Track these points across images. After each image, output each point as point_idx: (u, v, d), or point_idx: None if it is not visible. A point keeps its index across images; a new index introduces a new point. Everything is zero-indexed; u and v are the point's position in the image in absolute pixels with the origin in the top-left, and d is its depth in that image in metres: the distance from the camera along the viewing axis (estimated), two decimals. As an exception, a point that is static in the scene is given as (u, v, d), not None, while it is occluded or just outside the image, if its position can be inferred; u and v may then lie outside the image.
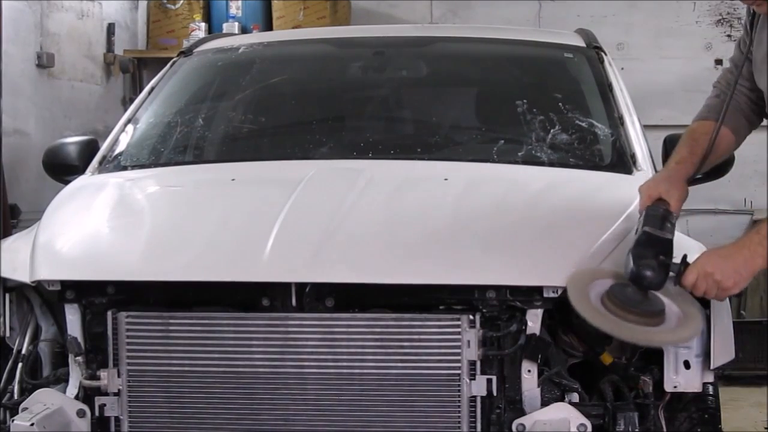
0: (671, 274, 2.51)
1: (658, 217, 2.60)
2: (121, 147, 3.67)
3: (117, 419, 2.67)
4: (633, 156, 3.39)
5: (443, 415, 2.60)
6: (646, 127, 3.66)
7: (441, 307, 2.64)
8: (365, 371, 2.60)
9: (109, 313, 2.68)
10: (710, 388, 2.76)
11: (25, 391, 2.79)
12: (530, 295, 2.61)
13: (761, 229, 2.48)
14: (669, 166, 2.82)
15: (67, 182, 3.50)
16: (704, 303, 2.68)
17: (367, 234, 2.73)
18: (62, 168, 3.70)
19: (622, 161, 3.39)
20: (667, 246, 2.52)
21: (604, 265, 2.66)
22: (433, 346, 2.59)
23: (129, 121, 3.81)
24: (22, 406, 2.65)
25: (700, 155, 2.73)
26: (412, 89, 4.12)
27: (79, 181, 3.46)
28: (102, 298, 2.70)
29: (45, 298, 2.86)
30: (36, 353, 2.89)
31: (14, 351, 2.89)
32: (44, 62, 5.93)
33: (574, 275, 2.54)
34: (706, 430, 2.79)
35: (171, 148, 3.66)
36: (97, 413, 2.67)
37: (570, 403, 2.62)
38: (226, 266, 2.66)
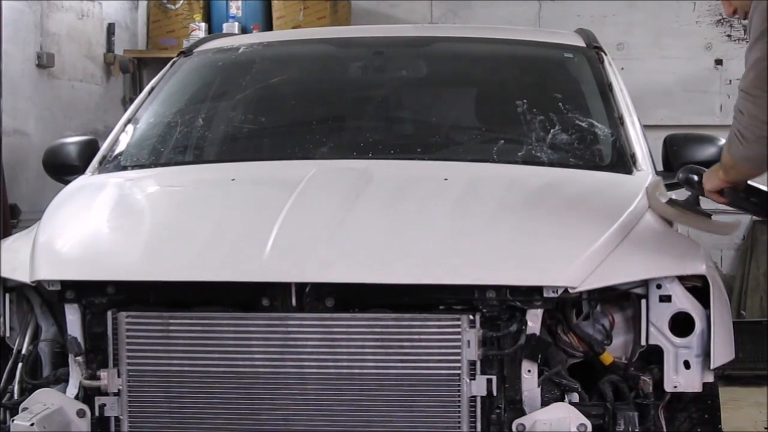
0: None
1: None
2: (121, 147, 3.67)
3: (117, 419, 2.67)
4: (633, 156, 3.40)
5: (443, 415, 2.60)
6: (646, 127, 3.66)
7: (441, 307, 2.64)
8: (365, 371, 2.60)
9: (109, 313, 2.68)
10: (710, 388, 2.76)
11: (25, 391, 2.79)
12: (530, 295, 2.61)
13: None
14: None
15: (67, 182, 3.50)
16: (704, 303, 2.69)
17: (367, 234, 2.73)
18: (62, 168, 3.70)
19: (622, 161, 3.39)
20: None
21: (605, 264, 2.66)
22: (433, 346, 2.59)
23: (129, 121, 3.81)
24: (22, 406, 2.65)
25: None
26: (412, 89, 4.12)
27: (79, 181, 3.46)
28: (102, 298, 2.70)
29: (45, 298, 2.86)
30: (36, 353, 2.89)
31: (14, 351, 2.89)
32: (44, 62, 5.93)
33: (653, 184, 3.09)
34: (706, 430, 2.80)
35: (171, 148, 3.66)
36: (97, 413, 2.67)
37: (570, 403, 2.63)
38: (226, 266, 2.66)
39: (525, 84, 3.97)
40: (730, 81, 6.85)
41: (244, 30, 6.61)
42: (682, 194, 3.17)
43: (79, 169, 3.61)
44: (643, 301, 2.70)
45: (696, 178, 3.01)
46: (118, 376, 2.66)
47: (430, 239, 2.71)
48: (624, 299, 2.75)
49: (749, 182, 2.96)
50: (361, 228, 2.76)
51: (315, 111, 3.90)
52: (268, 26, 6.80)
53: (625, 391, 2.69)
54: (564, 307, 2.70)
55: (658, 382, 2.69)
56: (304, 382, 2.61)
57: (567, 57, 4.02)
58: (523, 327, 2.62)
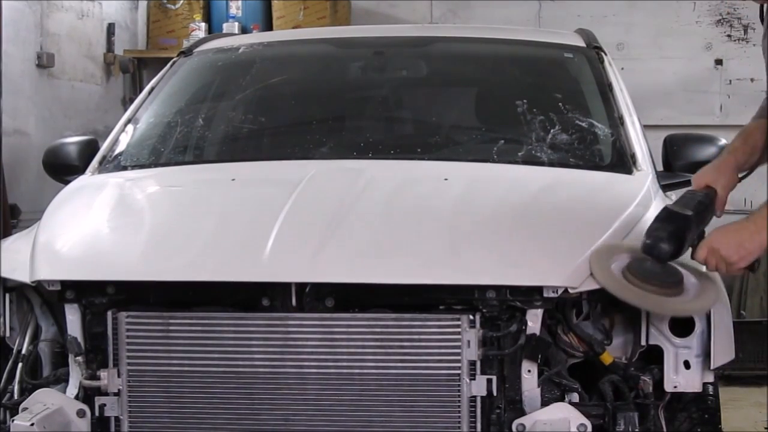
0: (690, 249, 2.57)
1: (688, 198, 2.64)
2: (121, 147, 3.67)
3: (117, 419, 2.67)
4: (633, 156, 3.39)
5: (443, 415, 2.60)
6: (646, 127, 3.66)
7: (441, 307, 2.64)
8: (365, 371, 2.60)
9: (109, 313, 2.67)
10: (710, 388, 2.76)
11: (25, 391, 2.79)
12: (530, 295, 2.61)
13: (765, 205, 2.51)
14: (721, 156, 2.80)
15: (67, 182, 3.50)
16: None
17: (367, 234, 2.73)
18: (62, 168, 3.70)
19: (622, 161, 3.39)
20: (684, 220, 2.54)
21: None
22: (433, 346, 2.59)
23: (129, 121, 3.81)
24: (22, 406, 2.65)
25: (752, 147, 2.74)
26: (412, 89, 4.12)
27: (79, 181, 3.46)
28: (102, 298, 2.70)
29: (45, 298, 2.86)
30: (36, 353, 2.89)
31: (14, 351, 2.89)
32: (44, 62, 5.93)
33: (594, 252, 2.61)
34: (706, 430, 2.79)
35: (171, 148, 3.66)
36: (97, 413, 2.67)
37: (570, 403, 2.63)
38: (226, 266, 2.66)
39: (525, 84, 3.97)
40: (730, 81, 6.86)
41: (244, 30, 6.62)
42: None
43: (79, 169, 3.61)
44: (643, 301, 2.70)
45: (672, 243, 2.51)
46: (118, 376, 2.66)
47: (430, 239, 2.71)
48: (624, 299, 2.74)
49: None
50: (361, 228, 2.76)
51: (315, 111, 3.90)
52: (268, 26, 6.80)
53: (625, 391, 2.68)
54: (564, 307, 2.70)
55: (658, 382, 2.69)
56: (304, 382, 2.61)
57: (567, 57, 4.02)
58: (523, 327, 2.62)
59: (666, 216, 2.58)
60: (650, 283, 2.53)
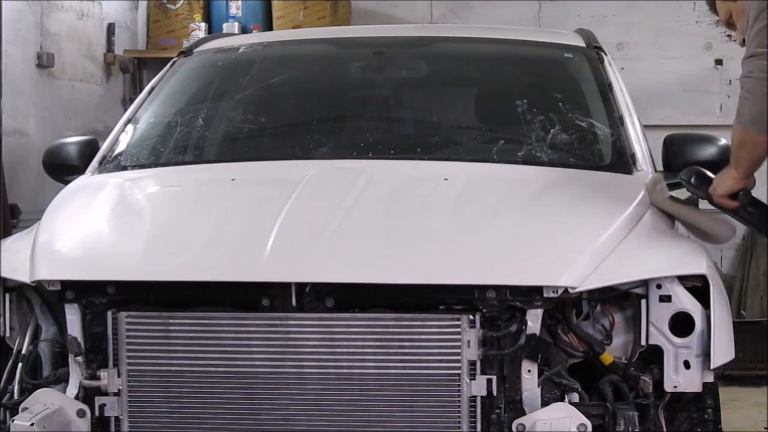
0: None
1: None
2: (121, 147, 3.67)
3: (117, 419, 2.68)
4: (633, 156, 3.40)
5: (443, 415, 2.60)
6: (646, 127, 3.66)
7: (441, 307, 2.65)
8: (365, 371, 2.60)
9: (109, 313, 2.68)
10: (710, 388, 2.76)
11: (25, 391, 2.79)
12: (530, 295, 2.61)
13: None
14: None
15: (67, 182, 3.50)
16: (704, 303, 2.69)
17: (367, 234, 2.74)
18: (62, 168, 3.70)
19: (621, 161, 3.39)
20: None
21: (605, 264, 2.66)
22: (433, 346, 2.59)
23: (129, 121, 3.81)
24: (22, 406, 2.65)
25: None
26: (412, 89, 4.12)
27: (79, 181, 3.46)
28: (102, 298, 2.71)
29: (45, 298, 2.86)
30: (36, 353, 2.89)
31: (14, 351, 2.89)
32: (44, 62, 5.92)
33: (653, 179, 3.16)
34: (706, 430, 2.80)
35: (171, 148, 3.66)
36: (97, 413, 2.67)
37: (570, 403, 2.63)
38: (226, 266, 2.66)
39: (525, 84, 3.97)
40: (730, 81, 6.85)
41: (244, 30, 6.61)
42: (682, 194, 3.19)
43: (79, 169, 3.61)
44: (643, 301, 2.70)
45: (699, 179, 3.03)
46: (118, 376, 2.66)
47: (430, 239, 2.72)
48: (624, 299, 2.75)
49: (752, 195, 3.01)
50: (361, 228, 2.76)
51: (315, 111, 3.90)
52: (268, 26, 6.80)
53: (625, 391, 2.69)
54: (564, 307, 2.71)
55: (658, 382, 2.70)
56: (304, 382, 2.61)
57: (567, 57, 4.01)
58: (523, 327, 2.63)
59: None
60: (692, 206, 3.13)
